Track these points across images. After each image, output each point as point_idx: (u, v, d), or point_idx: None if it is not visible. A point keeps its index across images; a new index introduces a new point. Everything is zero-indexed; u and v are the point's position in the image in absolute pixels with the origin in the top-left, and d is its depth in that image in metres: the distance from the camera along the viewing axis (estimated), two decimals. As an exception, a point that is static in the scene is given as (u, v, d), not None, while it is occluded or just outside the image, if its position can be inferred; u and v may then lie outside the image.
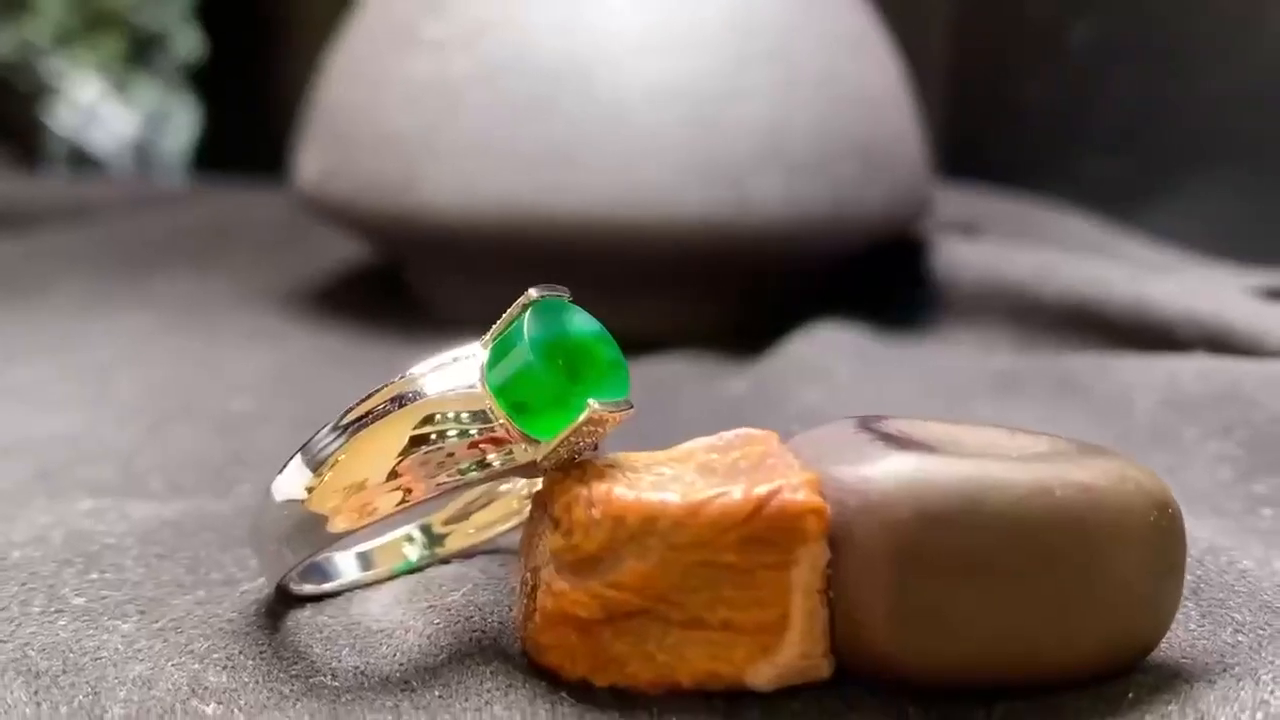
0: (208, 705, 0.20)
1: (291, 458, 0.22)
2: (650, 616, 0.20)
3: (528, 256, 0.43)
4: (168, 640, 0.22)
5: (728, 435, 0.23)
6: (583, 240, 0.43)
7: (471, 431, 0.21)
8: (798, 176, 0.44)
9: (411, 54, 0.45)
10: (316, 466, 0.21)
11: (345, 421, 0.21)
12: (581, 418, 0.20)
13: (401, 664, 0.22)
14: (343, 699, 0.20)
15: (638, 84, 0.43)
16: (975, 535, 0.20)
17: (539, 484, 0.22)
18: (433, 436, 0.21)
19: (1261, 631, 0.23)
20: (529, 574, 0.21)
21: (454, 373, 0.21)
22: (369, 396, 0.21)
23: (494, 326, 0.21)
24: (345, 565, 0.25)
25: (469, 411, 0.21)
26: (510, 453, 0.21)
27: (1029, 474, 0.20)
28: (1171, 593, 0.21)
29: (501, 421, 0.21)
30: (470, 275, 0.46)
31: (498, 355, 0.21)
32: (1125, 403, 0.37)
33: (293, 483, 0.21)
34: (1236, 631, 0.23)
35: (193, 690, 0.20)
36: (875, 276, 0.51)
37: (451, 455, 0.21)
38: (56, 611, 0.23)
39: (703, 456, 0.22)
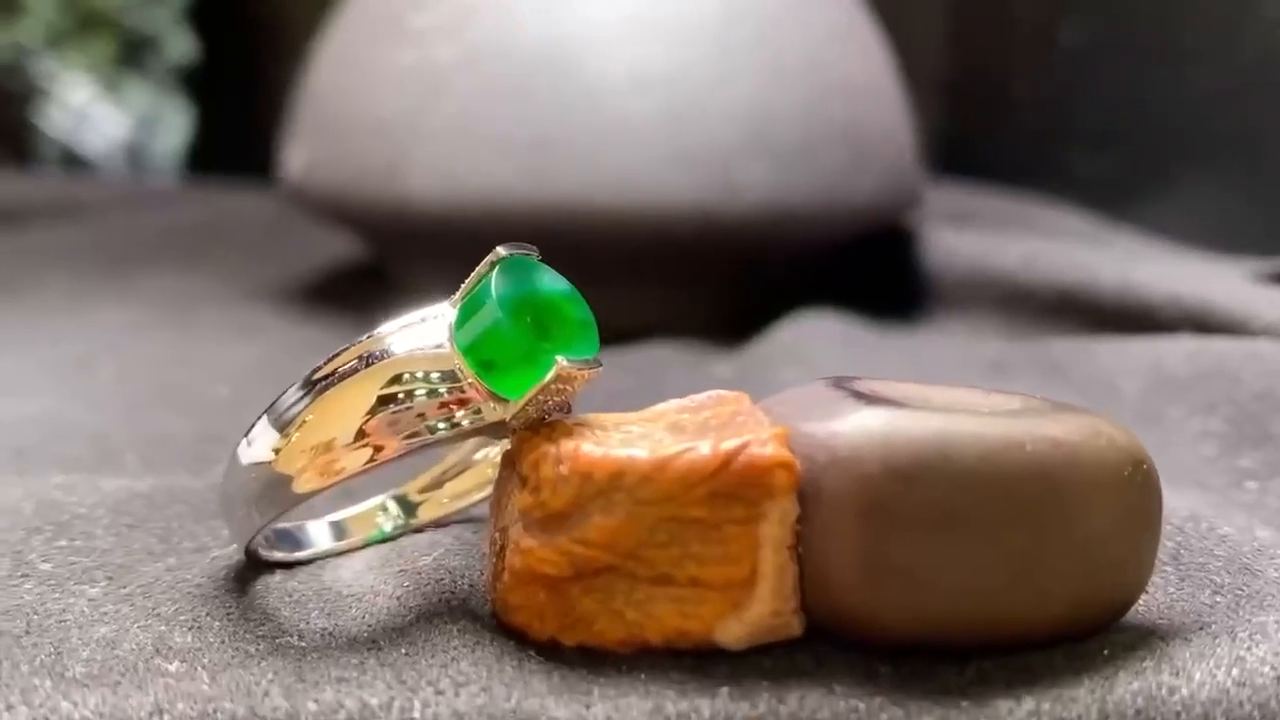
0: (171, 663, 0.20)
1: (258, 419, 0.21)
2: (618, 573, 0.20)
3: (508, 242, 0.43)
4: (135, 604, 0.22)
5: (699, 396, 0.23)
6: (568, 227, 0.43)
7: (440, 391, 0.21)
8: (783, 164, 0.43)
9: (397, 43, 0.45)
10: (283, 427, 0.21)
11: (313, 379, 0.21)
12: (550, 375, 0.20)
13: (370, 625, 0.21)
14: (309, 657, 0.20)
15: (622, 71, 0.43)
16: (945, 489, 0.20)
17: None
18: (400, 396, 0.21)
19: (1240, 592, 0.23)
20: (498, 534, 0.21)
21: (422, 332, 0.21)
22: (336, 355, 0.21)
23: (463, 285, 0.21)
24: (319, 534, 0.25)
25: (438, 371, 0.21)
26: (479, 412, 0.21)
27: (1000, 428, 0.20)
28: (1147, 548, 0.21)
29: (470, 380, 0.21)
30: (455, 263, 0.46)
31: (466, 314, 0.21)
32: (1112, 385, 0.36)
33: (260, 444, 0.21)
34: (1215, 593, 0.23)
35: (156, 650, 0.20)
36: (866, 266, 0.51)
37: (420, 415, 0.21)
38: (22, 576, 0.23)
39: (674, 416, 0.22)
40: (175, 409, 0.35)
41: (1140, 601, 0.22)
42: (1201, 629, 0.21)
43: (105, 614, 0.21)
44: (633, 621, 0.20)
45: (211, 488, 0.28)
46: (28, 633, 0.21)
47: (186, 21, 0.81)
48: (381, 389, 0.21)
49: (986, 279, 0.46)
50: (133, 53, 0.78)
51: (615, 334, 0.44)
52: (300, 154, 0.48)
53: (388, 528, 0.25)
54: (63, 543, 0.24)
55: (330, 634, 0.21)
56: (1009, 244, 0.47)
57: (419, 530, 0.25)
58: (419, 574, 0.23)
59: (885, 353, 0.42)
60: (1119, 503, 0.21)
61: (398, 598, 0.22)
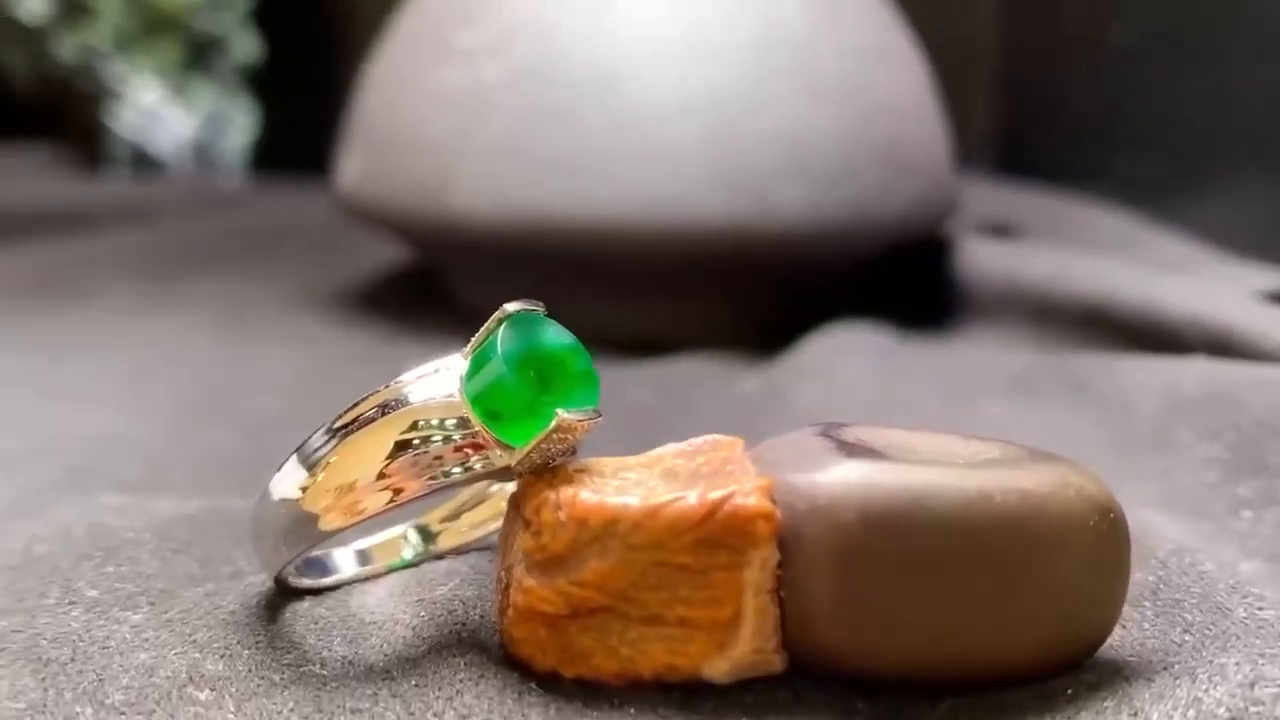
0: (202, 691, 0.22)
1: (288, 458, 0.23)
2: (613, 613, 0.22)
3: (555, 259, 0.45)
4: (173, 630, 0.24)
5: (696, 441, 0.24)
6: (607, 244, 0.44)
7: (454, 437, 0.22)
8: (819, 184, 0.45)
9: (444, 63, 0.47)
10: (310, 467, 0.23)
11: (336, 426, 0.23)
12: (550, 426, 0.22)
13: (386, 654, 0.23)
14: (328, 687, 0.22)
15: (662, 92, 0.44)
16: (917, 538, 0.21)
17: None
18: (416, 441, 0.22)
19: (1207, 631, 0.24)
20: (504, 571, 0.23)
21: (436, 382, 0.23)
22: (358, 403, 0.23)
23: (473, 338, 0.23)
24: (344, 561, 0.26)
25: (451, 418, 0.22)
26: (489, 457, 0.22)
27: (971, 480, 0.21)
28: (1114, 593, 0.22)
29: (479, 429, 0.22)
30: (501, 276, 0.48)
31: (475, 366, 0.22)
32: (1129, 405, 0.37)
33: (289, 482, 0.23)
34: (1184, 631, 0.24)
35: (190, 678, 0.22)
36: (900, 275, 0.52)
37: (436, 458, 0.22)
38: (71, 603, 0.24)
39: (669, 462, 0.23)
40: (227, 423, 0.37)
41: (1116, 636, 0.24)
42: (1165, 669, 0.22)
43: (146, 640, 0.23)
44: (626, 657, 0.22)
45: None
46: (73, 659, 0.22)
47: (252, 22, 0.84)
48: (400, 435, 0.22)
49: (1018, 291, 0.47)
50: (200, 54, 0.80)
51: (652, 347, 0.45)
52: (353, 166, 0.50)
53: (409, 555, 0.27)
54: (110, 569, 0.26)
55: (350, 662, 0.23)
56: (1040, 256, 0.48)
57: (439, 557, 0.27)
58: (435, 603, 0.25)
59: (912, 365, 0.43)
60: (1086, 550, 0.22)
61: (414, 627, 0.24)
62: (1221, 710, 0.21)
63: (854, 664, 0.21)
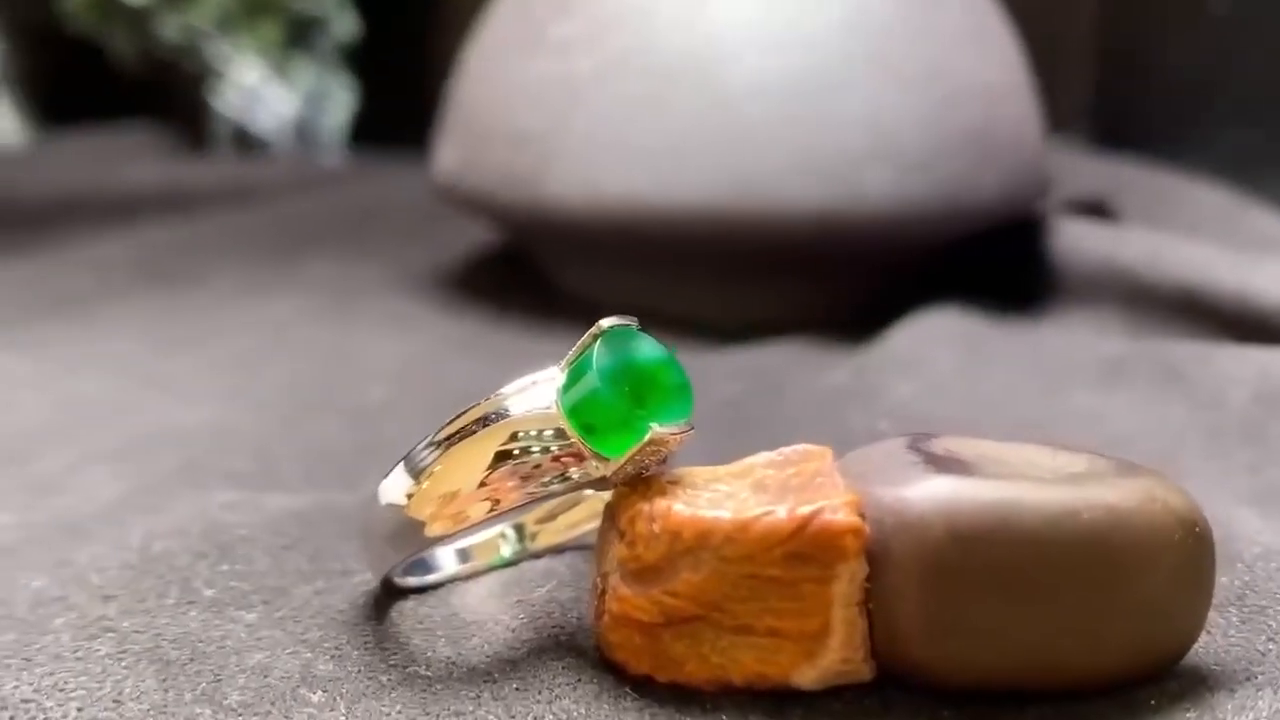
0: (314, 693, 0.23)
1: (396, 464, 0.24)
2: (705, 622, 0.22)
3: (647, 246, 0.46)
4: (286, 630, 0.25)
5: (786, 451, 0.25)
6: (698, 231, 0.45)
7: (552, 448, 0.23)
8: (909, 169, 0.45)
9: (539, 54, 0.47)
10: (416, 475, 0.24)
11: (440, 438, 0.24)
12: (644, 439, 0.22)
13: (488, 656, 0.24)
14: (433, 689, 0.23)
15: (752, 79, 0.45)
16: (1004, 554, 0.21)
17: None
18: (516, 452, 0.23)
19: (1292, 641, 0.24)
20: (599, 578, 0.24)
21: (534, 395, 0.23)
22: (461, 414, 0.24)
23: (570, 352, 0.24)
24: (445, 560, 0.27)
25: (549, 430, 0.23)
26: (586, 468, 0.23)
27: (1058, 495, 0.22)
28: (1198, 606, 0.23)
29: (574, 440, 0.23)
30: (595, 263, 0.49)
31: (572, 380, 0.23)
32: (1221, 396, 0.37)
33: (396, 488, 0.24)
34: (1269, 640, 0.24)
35: (303, 678, 0.23)
36: (992, 258, 0.52)
37: (536, 468, 0.23)
38: (189, 603, 0.26)
39: (760, 473, 0.24)
40: (333, 413, 0.38)
41: (1202, 642, 0.24)
42: (1249, 679, 0.23)
43: (260, 640, 0.24)
44: (717, 665, 0.23)
45: (359, 504, 0.31)
46: (192, 660, 0.24)
47: (350, 1, 0.85)
48: (500, 445, 0.23)
49: (1112, 274, 0.47)
50: (300, 33, 0.82)
51: (742, 333, 0.46)
52: (450, 155, 0.51)
53: (507, 553, 0.28)
54: (225, 567, 0.27)
55: (453, 664, 0.24)
56: (1135, 239, 0.48)
57: (537, 556, 0.28)
58: (533, 605, 0.26)
59: (1002, 352, 0.43)
60: (1171, 565, 0.22)
61: (513, 629, 0.25)
62: (1305, 724, 0.21)
63: (941, 675, 0.22)
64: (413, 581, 0.27)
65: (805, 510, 0.22)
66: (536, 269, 0.53)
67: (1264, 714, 0.21)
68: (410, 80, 0.86)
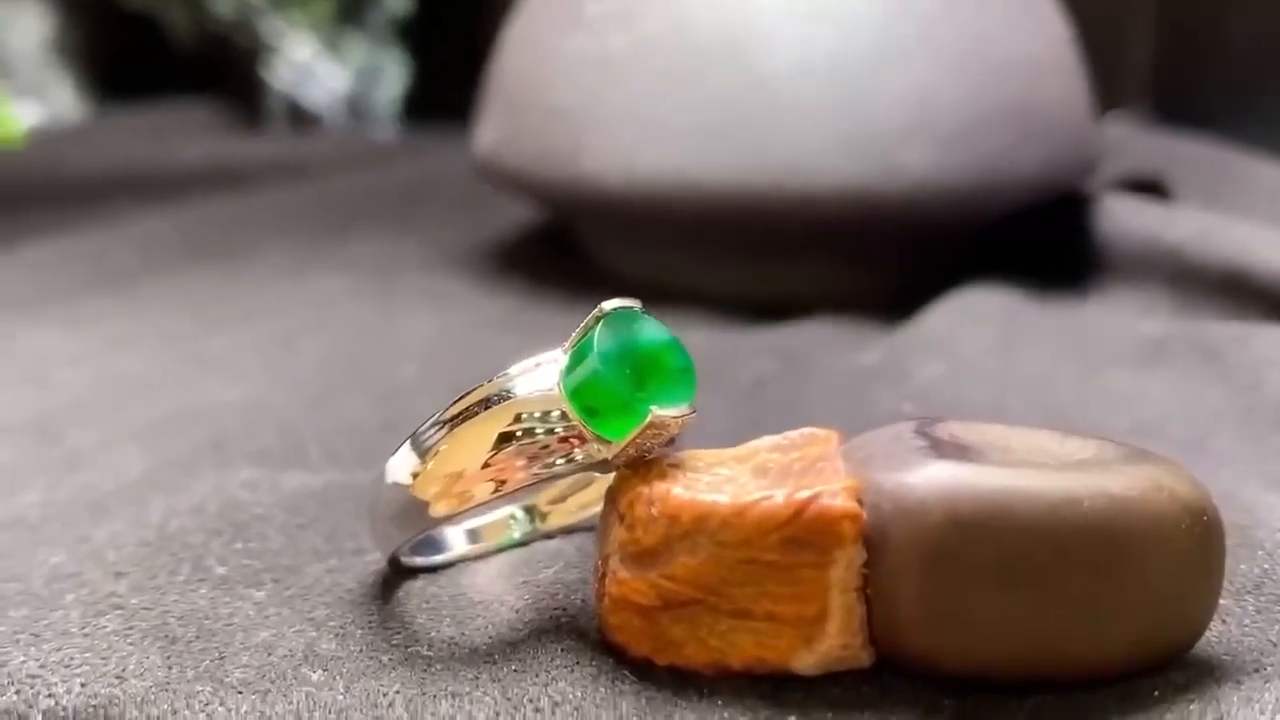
0: (315, 672, 0.23)
1: (402, 443, 0.24)
2: (703, 606, 0.22)
3: (683, 223, 0.45)
4: (294, 608, 0.25)
5: (792, 435, 0.24)
6: (734, 207, 0.44)
7: (556, 430, 0.23)
8: (947, 146, 0.44)
9: (575, 30, 0.47)
10: (422, 454, 0.24)
11: (445, 417, 0.24)
12: (644, 422, 0.22)
13: (490, 637, 0.24)
14: (433, 669, 0.23)
15: (788, 55, 0.44)
16: (1005, 542, 0.21)
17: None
18: (519, 434, 0.23)
19: (1305, 632, 0.23)
20: (600, 561, 0.24)
21: (538, 377, 0.23)
22: (467, 394, 0.24)
23: (573, 334, 0.24)
24: (455, 540, 0.27)
25: (552, 411, 0.23)
26: (588, 450, 0.23)
27: (1060, 484, 0.21)
28: (1206, 596, 0.22)
29: (576, 423, 0.23)
30: (631, 239, 0.48)
31: (574, 362, 0.23)
32: (1259, 379, 0.37)
33: (402, 467, 0.24)
34: (1283, 630, 0.24)
35: (305, 657, 0.23)
36: (1037, 235, 0.52)
37: (540, 450, 0.23)
38: (200, 580, 0.26)
39: (764, 456, 0.24)
40: (362, 392, 0.38)
41: (1215, 630, 0.24)
42: (1258, 670, 0.22)
43: (267, 618, 0.25)
44: (716, 649, 0.22)
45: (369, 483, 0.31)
46: (198, 637, 0.24)
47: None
48: (504, 427, 0.23)
49: (1157, 252, 0.46)
50: (353, 9, 0.82)
51: (779, 311, 0.46)
52: (489, 131, 0.51)
53: (517, 534, 0.28)
54: (239, 545, 0.27)
55: (455, 644, 0.24)
56: (1183, 217, 0.47)
57: (549, 537, 0.28)
58: (538, 586, 0.26)
59: (1041, 330, 0.43)
60: (1177, 554, 0.22)
61: (517, 610, 0.25)
62: (1311, 717, 0.21)
63: (939, 662, 0.22)
64: (421, 561, 0.27)
65: (803, 495, 0.22)
66: (575, 247, 0.53)
67: (1269, 706, 0.21)
68: (464, 56, 0.86)
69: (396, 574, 0.26)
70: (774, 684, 0.22)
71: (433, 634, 0.24)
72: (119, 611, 0.25)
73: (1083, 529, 0.21)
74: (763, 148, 0.44)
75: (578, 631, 0.24)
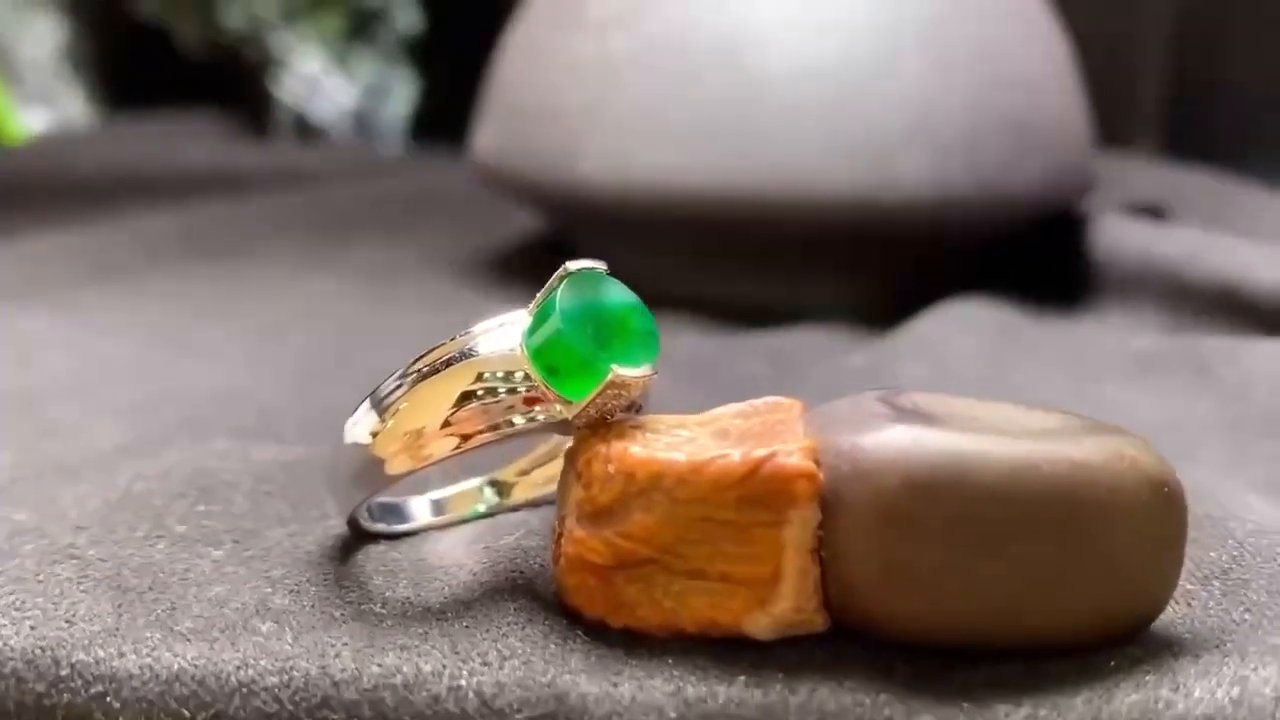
0: (265, 624, 0.23)
1: (362, 402, 0.24)
2: (657, 566, 0.22)
3: (679, 228, 0.45)
4: (250, 567, 0.25)
5: (757, 402, 0.24)
6: (731, 213, 0.44)
7: (518, 389, 0.23)
8: (946, 155, 0.44)
9: (576, 32, 0.47)
10: (381, 413, 0.24)
11: (407, 372, 0.24)
12: (605, 381, 0.22)
13: (444, 597, 0.24)
14: (384, 624, 0.23)
15: (790, 63, 0.44)
16: (961, 504, 0.21)
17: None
18: (480, 392, 0.23)
19: (1267, 612, 0.23)
20: (558, 522, 0.23)
21: (501, 336, 0.23)
22: (429, 351, 0.24)
23: (537, 295, 0.23)
24: (420, 510, 0.27)
25: (514, 371, 0.23)
26: (550, 409, 0.23)
27: (1019, 448, 0.21)
28: (1167, 568, 0.22)
29: (538, 382, 0.23)
30: (627, 245, 0.48)
31: (537, 322, 0.23)
32: (1247, 389, 0.36)
33: (361, 427, 0.24)
34: (1246, 611, 0.23)
35: (257, 610, 0.23)
36: (1035, 251, 0.51)
37: (501, 409, 0.23)
38: (158, 537, 0.26)
39: (726, 421, 0.24)
40: (343, 379, 0.38)
41: (1178, 614, 0.23)
42: (1217, 647, 0.22)
43: (224, 575, 0.24)
44: (670, 610, 0.22)
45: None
46: (151, 589, 0.24)
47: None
48: (465, 386, 0.23)
49: (1151, 269, 0.46)
50: (362, 25, 0.83)
51: (774, 316, 0.46)
52: (488, 135, 0.51)
53: (482, 507, 0.28)
54: (201, 507, 0.27)
55: (410, 603, 0.24)
56: (1176, 235, 0.47)
57: (514, 509, 0.28)
58: (498, 551, 0.25)
59: (1032, 343, 0.43)
60: (1137, 523, 0.21)
61: (474, 573, 0.25)
62: (1268, 689, 0.20)
63: (894, 627, 0.22)
64: (382, 528, 0.27)
65: (758, 454, 0.22)
66: (571, 252, 0.53)
67: (1226, 680, 0.21)
68: (472, 75, 0.87)
69: (358, 538, 0.26)
70: (726, 646, 0.22)
71: (387, 594, 0.24)
72: (74, 561, 0.24)
73: (1041, 494, 0.21)
74: (761, 154, 0.44)
75: (533, 593, 0.24)
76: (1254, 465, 0.33)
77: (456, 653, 0.22)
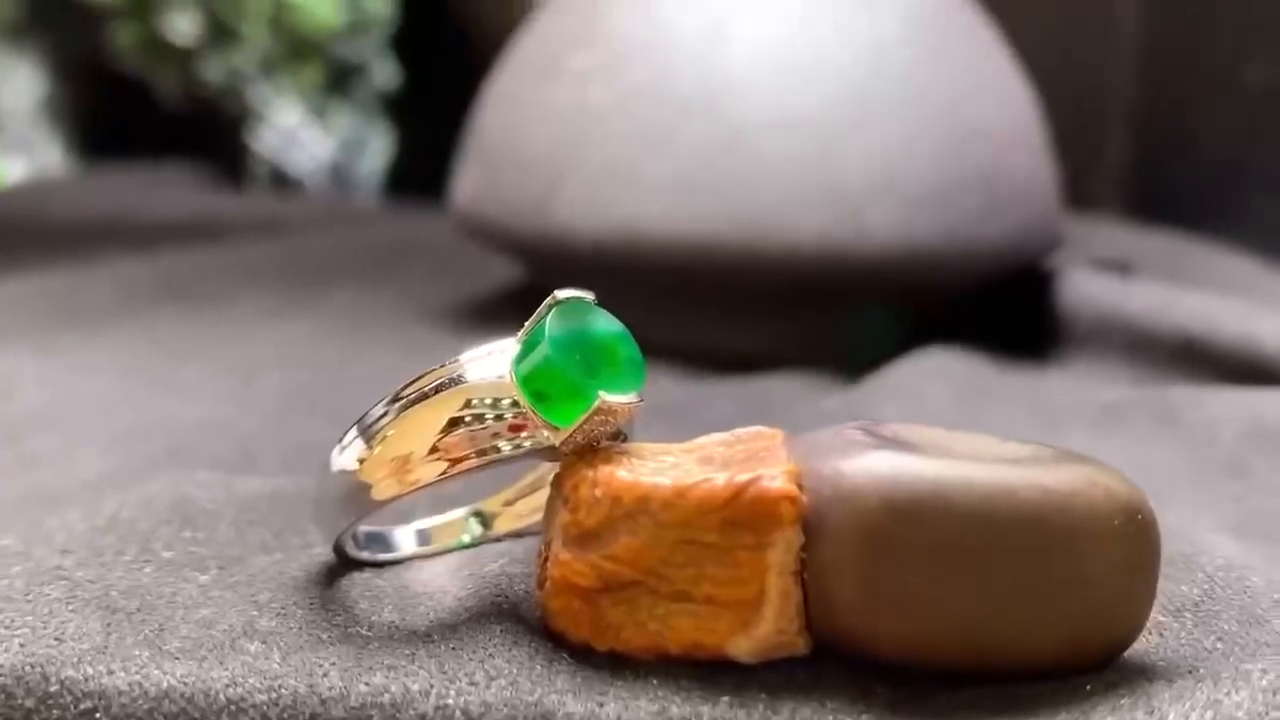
0: (253, 644, 0.23)
1: (349, 429, 0.24)
2: (642, 588, 0.22)
3: (655, 277, 0.46)
4: (237, 591, 0.25)
5: (740, 431, 0.25)
6: (707, 262, 0.45)
7: (505, 415, 0.24)
8: (915, 209, 0.45)
9: (557, 83, 0.48)
10: (369, 439, 0.24)
11: (395, 399, 0.24)
12: (593, 408, 0.23)
13: (430, 621, 0.24)
14: (370, 646, 0.23)
15: (764, 114, 0.45)
16: (939, 527, 0.21)
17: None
18: (468, 419, 0.24)
19: (1239, 640, 0.24)
20: (544, 546, 0.24)
21: (490, 363, 0.24)
22: (418, 379, 0.24)
23: (526, 323, 0.24)
24: (405, 540, 0.28)
25: (502, 398, 0.23)
26: (537, 436, 0.24)
27: (996, 475, 0.22)
28: (1140, 594, 0.23)
29: (526, 408, 0.23)
30: (605, 291, 0.49)
31: (526, 350, 0.24)
32: (1212, 434, 0.37)
33: (348, 454, 0.24)
34: (1218, 639, 0.24)
35: (244, 632, 0.23)
36: (1004, 304, 0.52)
37: (488, 435, 0.24)
38: (145, 561, 0.26)
39: (710, 449, 0.24)
40: (322, 415, 0.39)
41: (1151, 643, 0.24)
42: (1190, 673, 0.22)
43: (210, 598, 0.25)
44: (655, 632, 0.23)
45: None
46: (139, 610, 0.24)
47: (391, 50, 0.87)
48: (453, 412, 0.24)
49: (1117, 323, 0.47)
50: (340, 80, 0.83)
51: (747, 365, 0.46)
52: (468, 184, 0.52)
53: (467, 538, 0.28)
54: (187, 534, 0.27)
55: (396, 627, 0.24)
56: (1142, 290, 0.48)
57: (497, 540, 0.28)
58: (483, 578, 0.26)
59: (1000, 392, 0.43)
60: (1110, 549, 0.22)
61: (459, 598, 0.25)
62: (1240, 713, 0.21)
63: (875, 648, 0.22)
64: (366, 556, 0.27)
65: (742, 478, 0.22)
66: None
67: (1200, 704, 0.21)
68: (450, 130, 0.87)
69: (344, 565, 0.27)
70: (710, 669, 0.22)
71: (373, 618, 0.24)
72: (63, 582, 0.25)
73: (1017, 518, 0.21)
74: (735, 204, 0.44)
75: (518, 617, 0.24)
76: (1221, 505, 0.33)
77: (443, 673, 0.22)
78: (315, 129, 0.81)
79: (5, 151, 0.82)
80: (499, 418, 0.24)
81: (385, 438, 0.24)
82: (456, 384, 0.24)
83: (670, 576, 0.22)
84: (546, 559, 0.23)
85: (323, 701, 0.22)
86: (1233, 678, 0.22)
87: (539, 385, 0.23)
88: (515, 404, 0.23)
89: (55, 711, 0.22)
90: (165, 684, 0.22)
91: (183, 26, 0.76)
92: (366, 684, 0.22)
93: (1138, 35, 0.77)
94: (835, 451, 0.23)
